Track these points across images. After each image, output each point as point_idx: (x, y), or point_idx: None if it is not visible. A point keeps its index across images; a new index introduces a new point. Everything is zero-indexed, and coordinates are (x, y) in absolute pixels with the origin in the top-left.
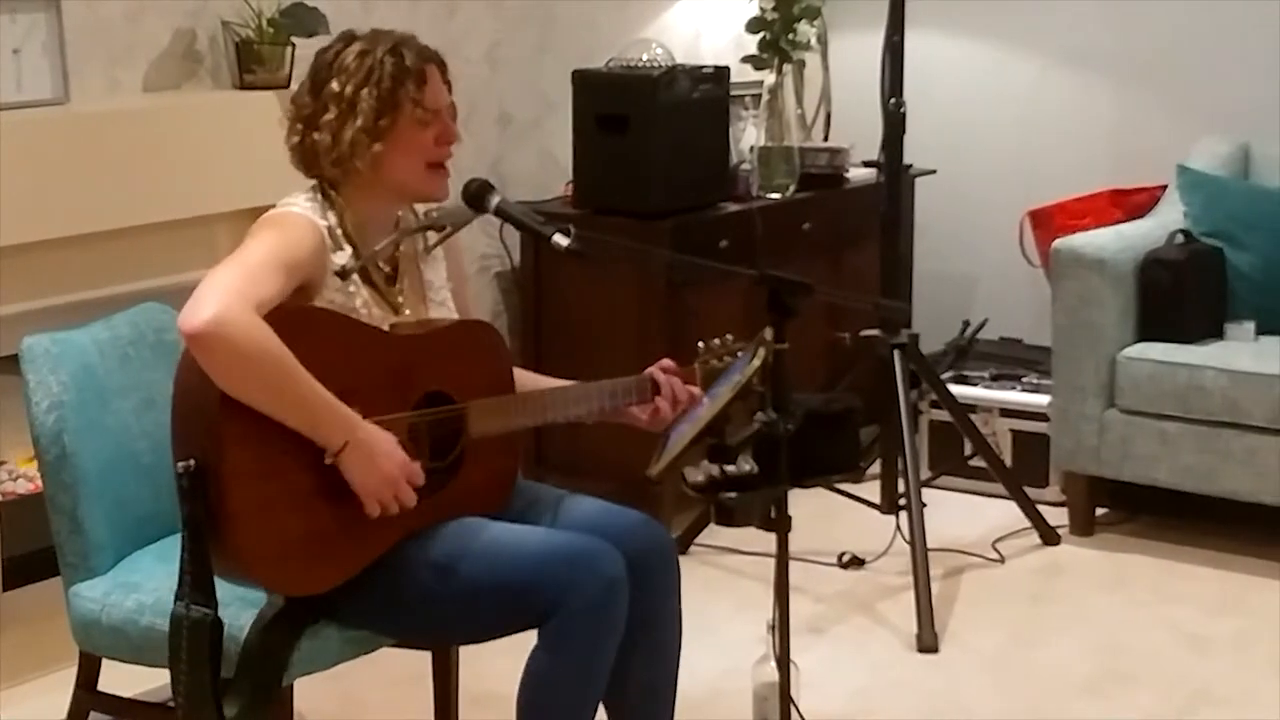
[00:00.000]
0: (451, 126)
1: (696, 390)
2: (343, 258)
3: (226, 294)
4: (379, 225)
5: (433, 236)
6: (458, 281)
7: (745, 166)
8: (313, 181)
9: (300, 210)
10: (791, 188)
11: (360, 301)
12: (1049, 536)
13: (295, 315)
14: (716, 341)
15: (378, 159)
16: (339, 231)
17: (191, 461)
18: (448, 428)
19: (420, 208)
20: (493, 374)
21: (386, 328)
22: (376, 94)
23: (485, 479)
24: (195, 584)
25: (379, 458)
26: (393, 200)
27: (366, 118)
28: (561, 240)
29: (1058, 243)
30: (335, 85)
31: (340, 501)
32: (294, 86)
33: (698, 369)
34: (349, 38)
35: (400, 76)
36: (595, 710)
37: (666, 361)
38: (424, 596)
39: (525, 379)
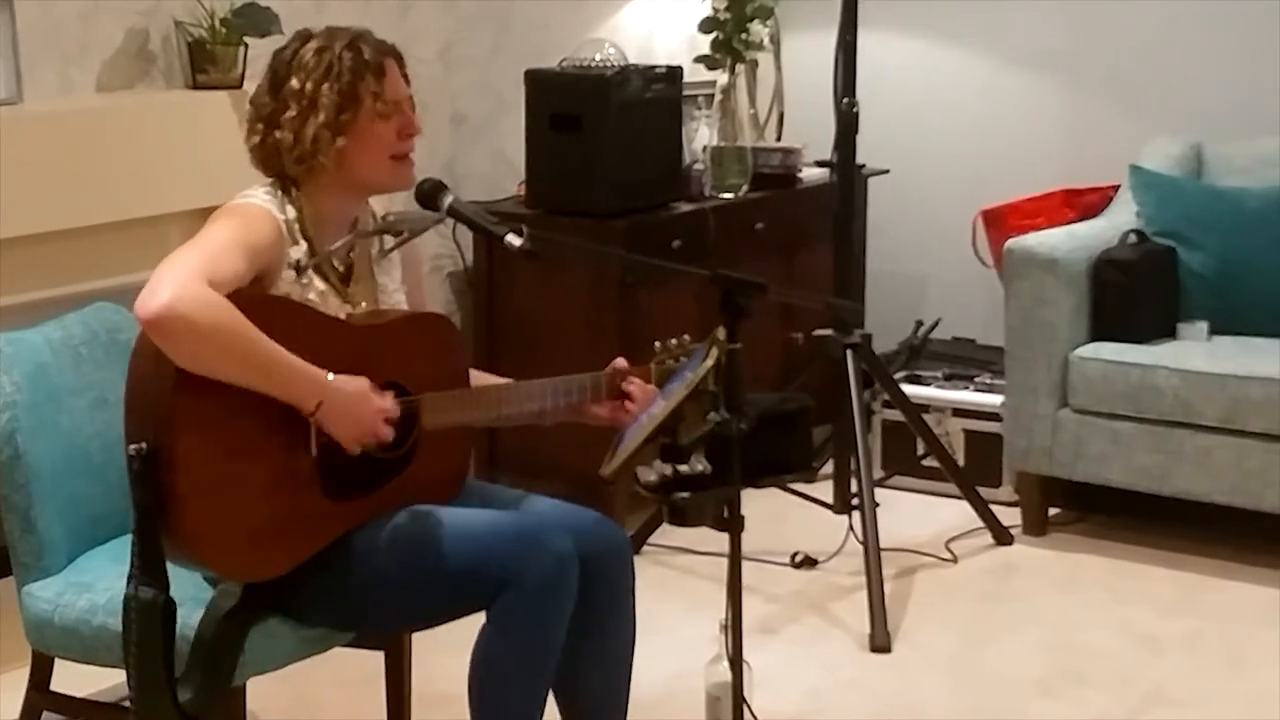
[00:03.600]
0: (413, 118)
1: (653, 389)
2: (298, 252)
3: (181, 273)
4: (337, 222)
5: (389, 240)
6: (412, 285)
7: (698, 166)
8: (271, 178)
9: (260, 202)
10: (744, 188)
11: (314, 294)
12: (1002, 536)
13: (252, 301)
14: (673, 341)
15: (341, 154)
16: (296, 226)
17: (143, 444)
18: (401, 419)
19: (378, 210)
20: (448, 367)
21: (342, 317)
22: (337, 88)
23: (437, 471)
24: (145, 566)
25: (355, 406)
26: (355, 195)
27: (328, 113)
28: (514, 240)
29: (1010, 242)
30: (295, 82)
31: (292, 487)
32: (247, 86)
33: (653, 368)
34: (305, 36)
35: (360, 70)
36: (547, 688)
37: (620, 361)
38: (373, 580)
39: (481, 380)
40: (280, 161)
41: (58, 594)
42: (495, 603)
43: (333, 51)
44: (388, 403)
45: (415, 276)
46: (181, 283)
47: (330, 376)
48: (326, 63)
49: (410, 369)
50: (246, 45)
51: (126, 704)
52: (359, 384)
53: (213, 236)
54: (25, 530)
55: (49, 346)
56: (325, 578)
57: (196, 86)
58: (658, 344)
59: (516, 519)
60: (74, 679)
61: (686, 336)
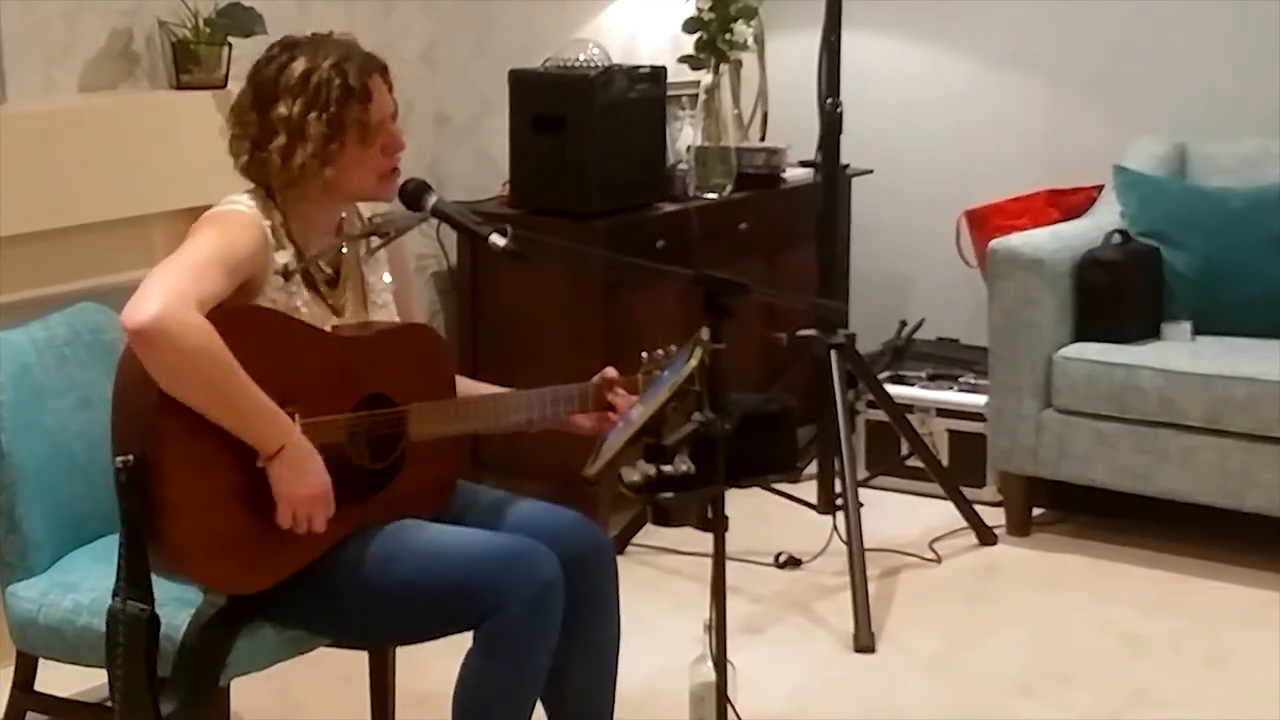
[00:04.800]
0: (398, 135)
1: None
2: (284, 257)
3: (170, 291)
4: (322, 227)
5: (374, 241)
6: (401, 284)
7: (682, 166)
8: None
9: (244, 209)
10: (728, 188)
11: (301, 302)
12: (986, 536)
13: (237, 314)
14: (660, 352)
15: (330, 181)
16: (282, 231)
17: (130, 457)
18: (387, 430)
19: (365, 211)
20: (434, 378)
21: (328, 329)
22: (325, 118)
23: (425, 482)
24: (132, 580)
25: (309, 473)
26: (341, 203)
27: (316, 143)
28: (498, 240)
29: (994, 243)
30: (283, 109)
31: None
32: (231, 87)
33: (640, 379)
34: (290, 47)
35: (346, 98)
36: (530, 713)
37: (610, 371)
38: (360, 597)
39: (468, 388)
40: (268, 178)
41: (42, 594)
42: (481, 626)
43: (320, 74)
44: (332, 499)
45: (403, 275)
46: (169, 300)
47: (300, 433)
48: (314, 87)
49: (396, 380)
50: (230, 45)
51: (110, 704)
52: (320, 459)
53: (197, 250)
54: (9, 530)
55: (33, 347)
56: (311, 588)
57: (180, 87)
58: (645, 355)
59: (506, 542)
60: (58, 679)
61: (674, 347)
